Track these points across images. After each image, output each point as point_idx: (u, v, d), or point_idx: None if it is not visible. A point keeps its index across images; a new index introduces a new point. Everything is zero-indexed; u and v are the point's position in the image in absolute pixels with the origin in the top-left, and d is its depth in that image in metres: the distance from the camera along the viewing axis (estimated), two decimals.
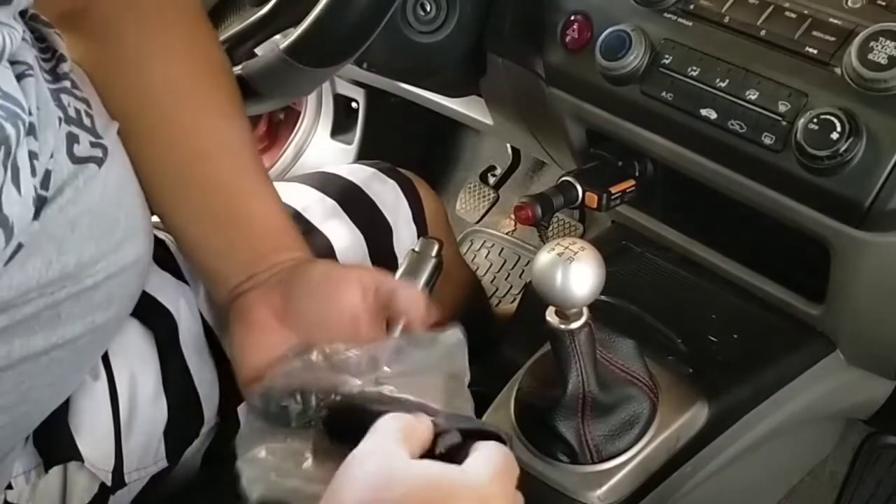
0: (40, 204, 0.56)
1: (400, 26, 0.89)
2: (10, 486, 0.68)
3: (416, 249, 0.79)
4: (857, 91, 0.68)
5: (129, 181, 0.68)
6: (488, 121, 1.08)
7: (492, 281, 1.58)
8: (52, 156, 0.57)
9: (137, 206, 0.69)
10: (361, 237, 0.90)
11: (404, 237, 0.94)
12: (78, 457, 0.70)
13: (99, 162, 0.62)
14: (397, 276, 0.79)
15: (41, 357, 0.60)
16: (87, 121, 0.63)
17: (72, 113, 0.61)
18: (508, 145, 1.67)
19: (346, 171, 0.96)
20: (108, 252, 0.63)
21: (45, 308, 0.58)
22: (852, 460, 1.15)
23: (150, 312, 0.76)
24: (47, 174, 0.56)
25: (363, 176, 0.96)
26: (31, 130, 0.55)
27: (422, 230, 0.96)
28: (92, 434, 0.71)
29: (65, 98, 0.61)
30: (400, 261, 0.92)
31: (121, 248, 0.64)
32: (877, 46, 0.66)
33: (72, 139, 0.60)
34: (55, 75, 0.63)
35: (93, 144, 0.62)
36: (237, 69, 0.75)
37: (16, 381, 0.59)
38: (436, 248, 0.78)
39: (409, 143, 1.65)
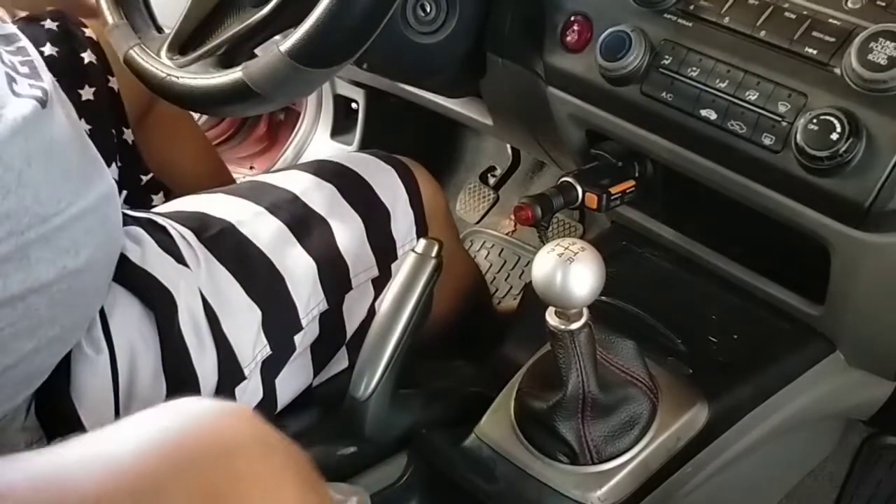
0: None
1: (400, 27, 0.89)
2: None
3: (417, 250, 0.79)
4: (857, 91, 0.68)
5: (77, 135, 0.72)
6: (488, 121, 1.08)
7: (492, 281, 1.58)
8: None
9: (89, 155, 0.72)
10: (360, 221, 0.91)
11: (402, 222, 0.94)
12: (81, 428, 0.70)
13: (41, 102, 0.65)
14: (397, 276, 0.79)
15: (18, 302, 0.62)
16: (23, 69, 0.67)
17: (6, 60, 0.65)
18: (508, 146, 1.67)
19: (343, 159, 0.97)
20: (67, 194, 0.66)
21: (15, 249, 0.61)
22: (852, 461, 1.15)
23: (150, 291, 0.77)
24: None
25: (361, 162, 0.97)
26: None
27: (419, 215, 0.96)
28: (93, 406, 0.72)
29: None
30: (398, 244, 0.93)
31: (78, 192, 0.67)
32: (876, 47, 0.66)
33: (10, 79, 0.64)
34: None
35: (32, 86, 0.66)
36: (237, 70, 0.75)
37: None
38: (436, 248, 0.79)
39: (408, 144, 1.64)
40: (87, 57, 1.05)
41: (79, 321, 0.72)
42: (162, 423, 0.47)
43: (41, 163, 0.63)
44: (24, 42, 0.70)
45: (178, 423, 0.47)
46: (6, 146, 0.60)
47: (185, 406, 0.49)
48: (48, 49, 1.02)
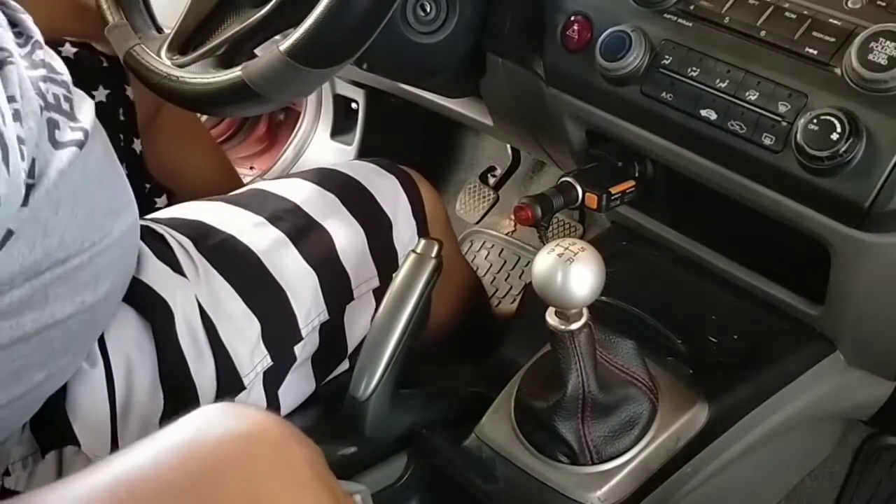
0: (27, 191, 0.57)
1: (400, 27, 0.89)
2: (7, 473, 0.69)
3: (417, 250, 0.79)
4: (857, 91, 0.68)
5: (109, 162, 0.69)
6: (488, 121, 1.08)
7: (492, 281, 1.58)
8: (35, 144, 0.58)
9: (118, 185, 0.70)
10: (361, 231, 0.90)
11: (404, 231, 0.94)
12: (74, 442, 0.70)
13: (80, 145, 0.62)
14: (398, 276, 0.79)
15: (32, 337, 0.61)
16: (65, 105, 0.64)
17: (51, 99, 0.62)
18: (508, 146, 1.67)
19: (345, 167, 0.97)
20: (91, 232, 0.64)
21: (33, 292, 0.59)
22: (852, 461, 1.15)
23: (147, 302, 0.76)
24: (32, 162, 0.57)
25: (362, 171, 0.96)
26: (16, 117, 0.56)
27: (421, 224, 0.96)
28: (88, 420, 0.71)
29: (43, 85, 0.62)
30: (399, 255, 0.93)
31: (103, 229, 0.65)
32: (877, 47, 0.66)
33: (52, 125, 0.61)
34: (32, 62, 0.64)
35: (73, 129, 0.63)
36: (237, 70, 0.75)
37: (7, 359, 0.60)
38: (436, 248, 0.79)
39: (408, 144, 1.65)
40: (105, 60, 1.05)
41: (88, 346, 0.72)
42: (180, 439, 0.47)
43: (69, 208, 0.61)
44: (66, 76, 0.68)
45: (196, 443, 0.47)
46: (38, 204, 0.58)
47: (203, 423, 0.48)
48: (66, 49, 1.02)
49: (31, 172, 0.57)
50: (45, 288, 0.60)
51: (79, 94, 0.68)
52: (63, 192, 0.60)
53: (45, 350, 0.63)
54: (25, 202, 0.56)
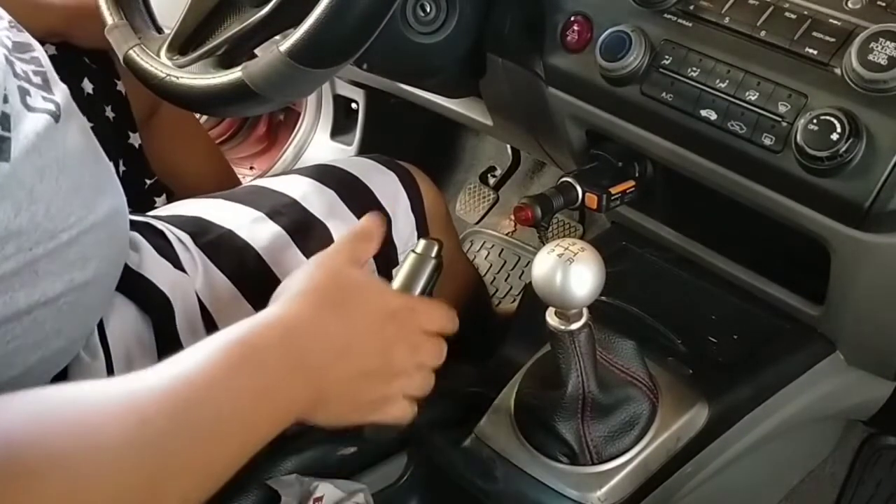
0: (4, 144, 0.58)
1: (400, 27, 0.89)
2: None
3: (417, 250, 0.79)
4: (857, 92, 0.68)
5: (90, 146, 0.70)
6: (488, 121, 1.08)
7: (492, 282, 1.58)
8: (6, 100, 0.59)
9: (101, 168, 0.71)
10: None
11: (403, 227, 0.94)
12: None
13: (54, 116, 0.64)
14: (397, 276, 0.79)
15: (24, 316, 0.62)
16: (36, 78, 0.65)
17: (19, 71, 0.63)
18: (508, 146, 1.67)
19: (344, 163, 0.97)
20: (77, 208, 0.65)
21: (23, 265, 0.60)
22: (852, 461, 1.15)
23: (147, 296, 0.76)
24: (5, 116, 0.58)
25: (361, 167, 0.96)
26: None
27: (420, 221, 0.96)
28: None
29: (10, 56, 0.63)
30: (399, 250, 0.93)
31: (88, 206, 0.66)
32: (877, 47, 0.66)
33: (23, 92, 0.62)
34: None
35: (45, 99, 0.64)
36: (237, 70, 0.75)
37: (0, 340, 0.61)
38: (436, 248, 0.78)
39: (408, 144, 1.65)
40: (87, 56, 1.05)
41: (84, 332, 0.72)
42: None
43: (53, 177, 0.62)
44: (39, 52, 0.69)
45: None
46: (20, 164, 0.59)
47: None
48: (49, 49, 1.01)
49: (4, 125, 0.58)
50: (34, 262, 0.61)
51: (53, 75, 0.69)
52: (46, 161, 0.61)
53: (37, 331, 0.63)
54: (6, 157, 0.58)
